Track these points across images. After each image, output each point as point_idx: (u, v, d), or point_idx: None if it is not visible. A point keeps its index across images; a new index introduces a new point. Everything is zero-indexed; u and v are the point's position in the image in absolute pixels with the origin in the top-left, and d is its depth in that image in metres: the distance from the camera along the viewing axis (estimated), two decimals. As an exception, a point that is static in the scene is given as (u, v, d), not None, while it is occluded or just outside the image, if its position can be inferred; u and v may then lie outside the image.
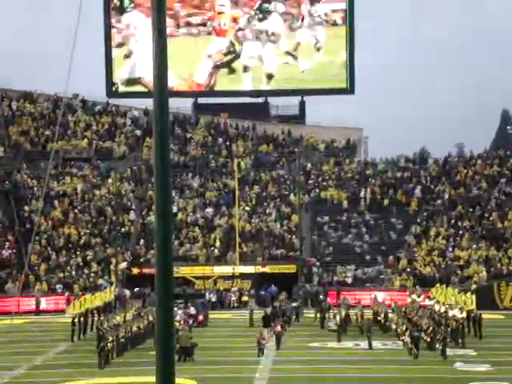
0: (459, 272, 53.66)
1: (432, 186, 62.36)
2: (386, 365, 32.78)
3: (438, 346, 34.26)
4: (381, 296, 47.66)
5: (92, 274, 55.02)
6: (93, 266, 55.78)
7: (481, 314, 39.81)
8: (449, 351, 34.21)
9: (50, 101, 69.98)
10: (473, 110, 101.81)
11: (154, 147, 10.89)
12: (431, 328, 35.25)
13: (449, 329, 36.71)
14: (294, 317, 45.17)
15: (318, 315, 44.49)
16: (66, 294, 52.01)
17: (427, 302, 42.95)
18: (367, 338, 36.37)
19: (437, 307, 40.10)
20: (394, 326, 38.81)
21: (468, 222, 58.44)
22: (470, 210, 59.43)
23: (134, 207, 61.18)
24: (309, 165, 65.00)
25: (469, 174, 62.55)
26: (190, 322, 40.85)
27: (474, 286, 50.39)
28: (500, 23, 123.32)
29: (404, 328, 35.92)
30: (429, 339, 35.08)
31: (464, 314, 37.88)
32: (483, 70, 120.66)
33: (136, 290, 52.43)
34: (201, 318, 44.72)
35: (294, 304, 46.91)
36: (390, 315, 40.08)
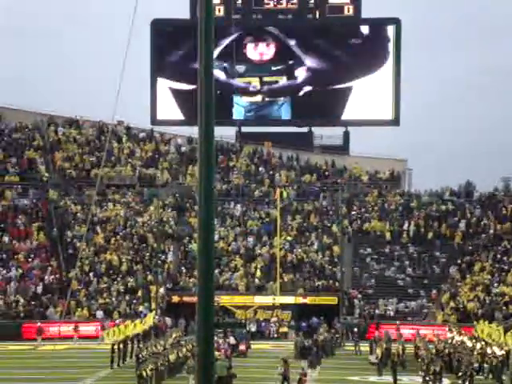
0: (504, 308, 52.76)
1: (477, 220, 61.54)
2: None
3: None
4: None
5: (134, 301, 54.98)
6: (133, 292, 55.78)
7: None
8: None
9: (95, 127, 70.53)
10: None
11: (199, 177, 10.79)
12: (468, 365, 34.41)
13: (488, 365, 35.95)
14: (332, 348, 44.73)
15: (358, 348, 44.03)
16: (104, 320, 51.80)
17: (465, 339, 42.06)
18: (392, 372, 35.59)
19: (478, 345, 39.25)
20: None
21: (513, 257, 57.54)
22: (516, 245, 58.55)
23: (175, 235, 61.13)
24: (352, 196, 64.55)
25: (514, 209, 61.63)
26: (228, 351, 40.25)
27: (518, 323, 49.46)
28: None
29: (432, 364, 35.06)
30: (460, 374, 34.29)
31: (503, 352, 37.09)
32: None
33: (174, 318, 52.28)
34: (242, 347, 44.33)
35: (335, 336, 46.42)
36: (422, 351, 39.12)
